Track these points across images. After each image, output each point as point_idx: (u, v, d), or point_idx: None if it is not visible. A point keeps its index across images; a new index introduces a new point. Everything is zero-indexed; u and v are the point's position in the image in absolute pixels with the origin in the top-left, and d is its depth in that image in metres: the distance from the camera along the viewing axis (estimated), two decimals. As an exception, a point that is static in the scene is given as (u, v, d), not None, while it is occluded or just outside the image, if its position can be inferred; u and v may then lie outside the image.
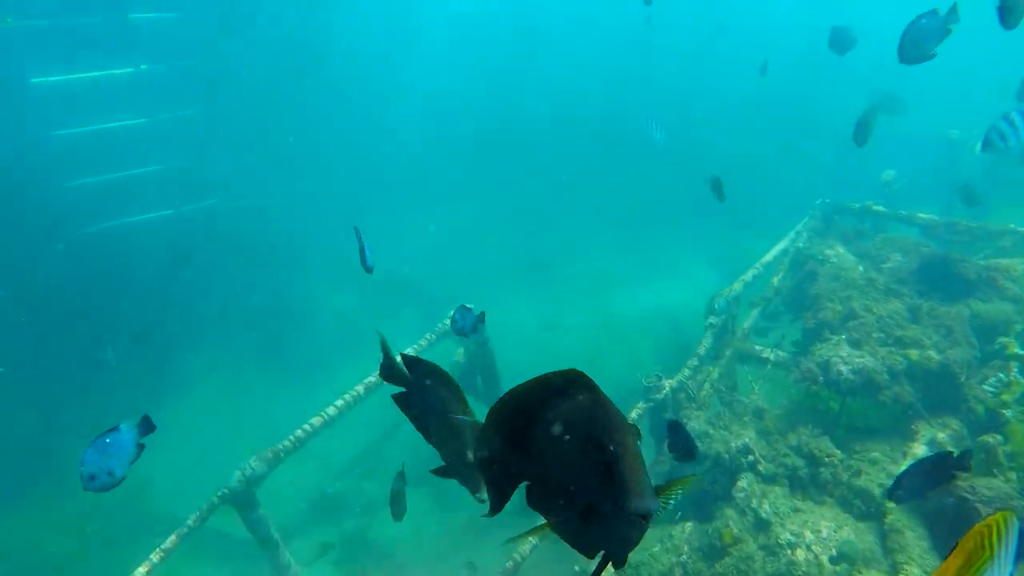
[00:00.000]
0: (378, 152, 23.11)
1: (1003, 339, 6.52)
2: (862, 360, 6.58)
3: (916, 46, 4.37)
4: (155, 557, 6.10)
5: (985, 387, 6.16)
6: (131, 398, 16.58)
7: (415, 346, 8.26)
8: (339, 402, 7.46)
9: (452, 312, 5.87)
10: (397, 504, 5.40)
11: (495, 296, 14.89)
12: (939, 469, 3.85)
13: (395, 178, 22.41)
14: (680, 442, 4.20)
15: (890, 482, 5.81)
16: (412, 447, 12.57)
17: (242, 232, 19.02)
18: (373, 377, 7.68)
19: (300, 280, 19.07)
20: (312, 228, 20.05)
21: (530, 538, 4.71)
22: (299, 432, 7.07)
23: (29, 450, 13.95)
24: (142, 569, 6.10)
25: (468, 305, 5.77)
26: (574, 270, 19.13)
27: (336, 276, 18.44)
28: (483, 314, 5.73)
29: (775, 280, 8.75)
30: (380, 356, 2.77)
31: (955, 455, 3.90)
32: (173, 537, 6.20)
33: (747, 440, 6.71)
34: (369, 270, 5.20)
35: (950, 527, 5.22)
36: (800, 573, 5.27)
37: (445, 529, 10.49)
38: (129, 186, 17.65)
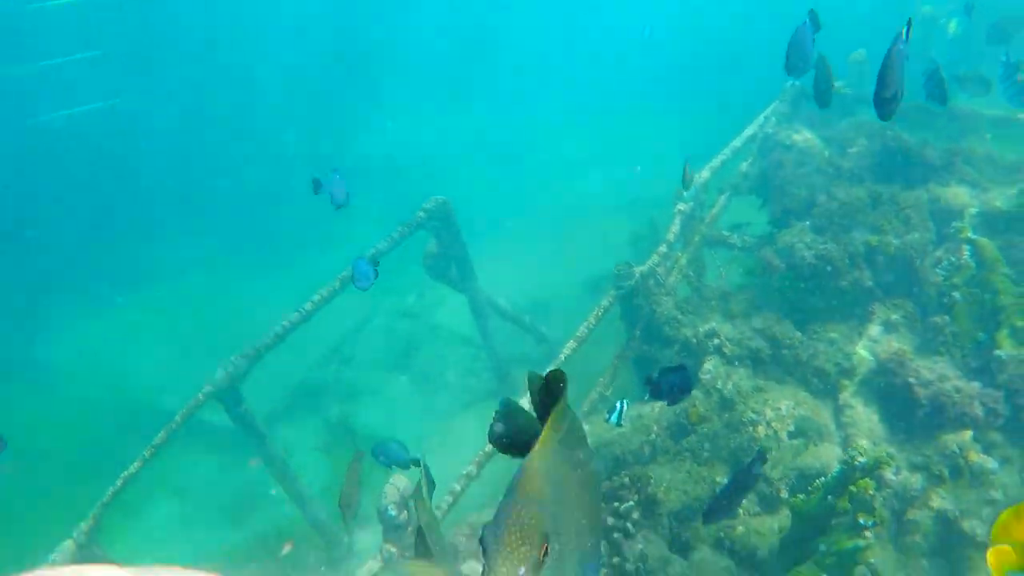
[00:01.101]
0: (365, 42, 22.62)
1: (957, 224, 6.79)
2: (824, 246, 6.83)
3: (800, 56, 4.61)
4: (147, 453, 6.39)
5: (938, 270, 6.47)
6: (95, 288, 16.63)
7: (387, 238, 8.24)
8: (316, 296, 7.60)
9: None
10: (348, 506, 4.51)
11: (467, 188, 14.83)
12: (742, 482, 4.12)
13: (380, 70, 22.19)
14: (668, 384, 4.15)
15: (845, 363, 6.22)
16: (384, 338, 12.90)
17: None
18: (346, 272, 7.80)
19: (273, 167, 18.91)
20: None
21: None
22: (278, 328, 7.25)
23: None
24: (136, 465, 6.40)
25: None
26: (546, 157, 19.11)
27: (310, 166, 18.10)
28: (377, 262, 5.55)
29: (743, 166, 8.86)
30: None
31: (748, 463, 4.14)
32: (163, 433, 6.48)
33: (714, 324, 7.04)
34: (339, 207, 5.08)
35: (897, 403, 5.66)
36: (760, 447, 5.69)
37: (424, 416, 10.95)
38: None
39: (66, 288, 16.67)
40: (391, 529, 5.38)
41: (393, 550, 5.37)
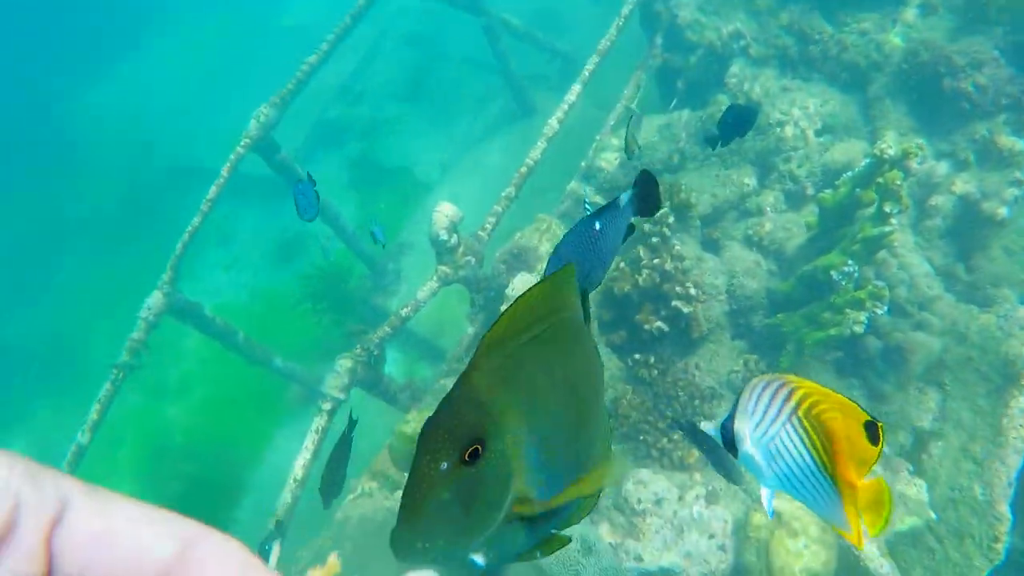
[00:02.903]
0: None
1: None
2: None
3: None
4: (204, 207, 6.73)
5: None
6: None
7: None
8: (330, 36, 7.42)
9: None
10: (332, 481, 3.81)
11: None
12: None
13: None
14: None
15: (876, 55, 6.13)
16: (394, 69, 12.57)
17: None
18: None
19: None
20: None
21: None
22: (299, 74, 7.20)
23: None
24: (196, 220, 6.79)
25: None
26: None
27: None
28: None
29: None
30: None
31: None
32: (213, 188, 6.76)
33: (738, 25, 6.86)
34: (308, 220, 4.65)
35: (927, 93, 5.70)
36: (787, 147, 5.89)
37: (447, 144, 11.05)
38: None
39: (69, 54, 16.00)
40: (444, 253, 5.83)
41: (448, 270, 5.88)
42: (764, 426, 1.63)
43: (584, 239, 2.14)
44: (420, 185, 10.51)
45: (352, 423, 3.82)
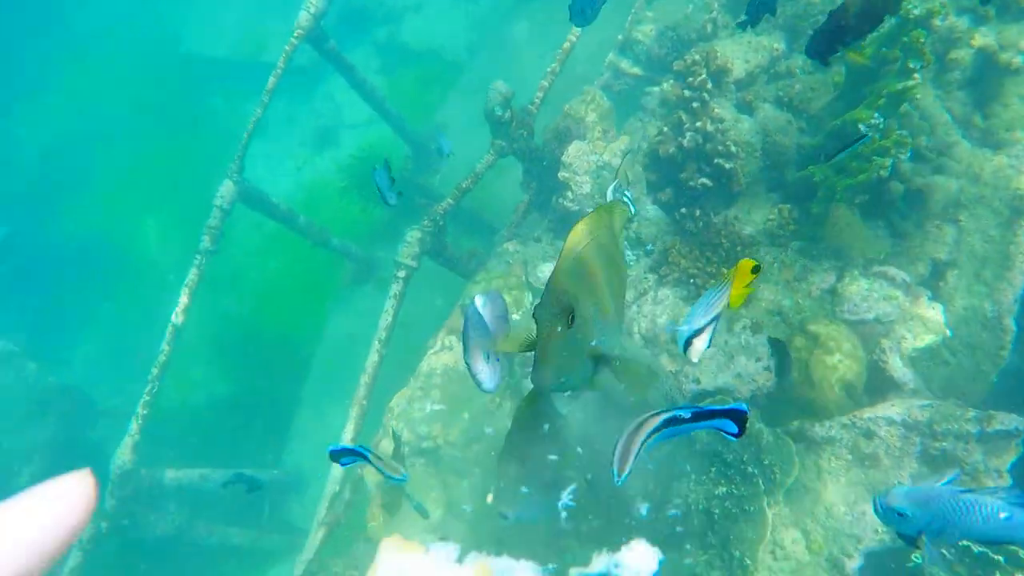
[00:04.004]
0: None
1: None
2: None
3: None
4: (264, 98, 7.19)
5: None
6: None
7: None
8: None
9: None
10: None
11: None
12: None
13: None
14: None
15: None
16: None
17: None
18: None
19: None
20: None
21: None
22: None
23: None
24: (257, 111, 7.27)
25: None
26: None
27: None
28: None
29: None
30: None
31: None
32: (272, 79, 7.20)
33: None
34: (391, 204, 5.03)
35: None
36: (815, 11, 6.27)
37: (475, 26, 11.20)
38: None
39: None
40: (499, 127, 6.36)
41: (503, 143, 6.43)
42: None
43: None
44: (449, 65, 10.82)
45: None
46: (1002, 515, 2.25)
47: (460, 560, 3.49)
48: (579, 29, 6.69)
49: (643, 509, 4.95)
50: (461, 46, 10.91)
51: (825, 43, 3.84)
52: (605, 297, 2.37)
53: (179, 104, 12.80)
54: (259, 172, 11.63)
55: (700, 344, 2.89)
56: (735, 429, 2.28)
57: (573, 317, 2.16)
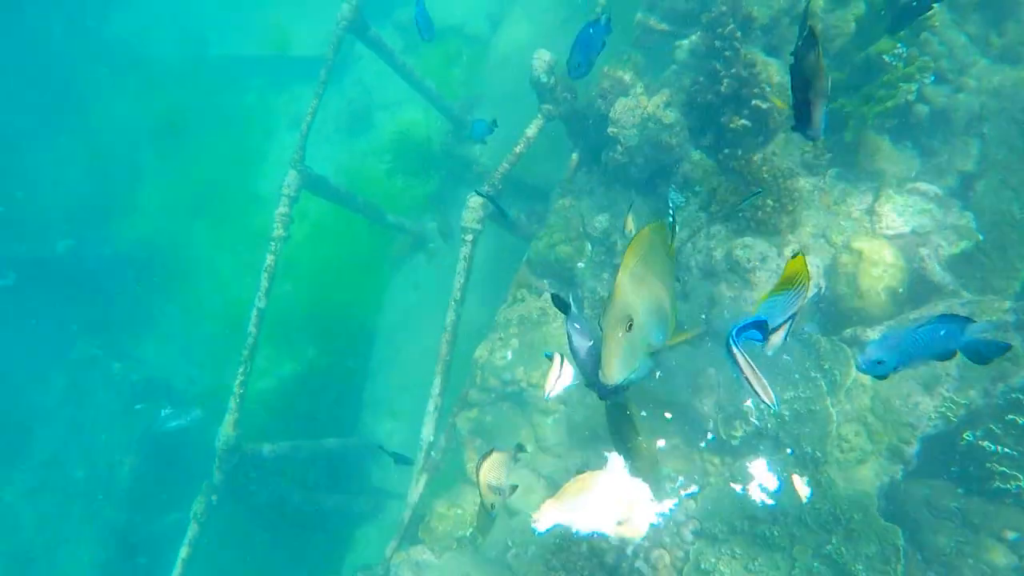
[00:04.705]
0: None
1: None
2: None
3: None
4: (319, 88, 7.84)
5: None
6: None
7: None
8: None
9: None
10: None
11: None
12: None
13: None
14: None
15: None
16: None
17: None
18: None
19: None
20: None
21: None
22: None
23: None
24: (313, 102, 7.91)
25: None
26: None
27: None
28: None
29: None
30: None
31: None
32: (323, 71, 7.83)
33: None
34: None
35: None
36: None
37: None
38: None
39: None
40: (545, 92, 6.97)
41: (550, 107, 7.04)
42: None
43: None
44: (473, 40, 11.38)
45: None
46: (941, 333, 3.03)
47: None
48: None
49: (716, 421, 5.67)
50: (482, 19, 11.44)
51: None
52: (657, 302, 3.15)
53: (214, 105, 13.46)
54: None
55: (776, 339, 3.26)
56: (760, 336, 3.05)
57: (631, 324, 2.91)
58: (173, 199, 13.29)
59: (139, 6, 15.67)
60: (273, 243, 8.05)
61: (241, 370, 7.96)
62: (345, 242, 11.37)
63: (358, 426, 10.43)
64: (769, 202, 6.03)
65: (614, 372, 2.91)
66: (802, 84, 2.95)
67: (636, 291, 3.05)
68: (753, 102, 6.16)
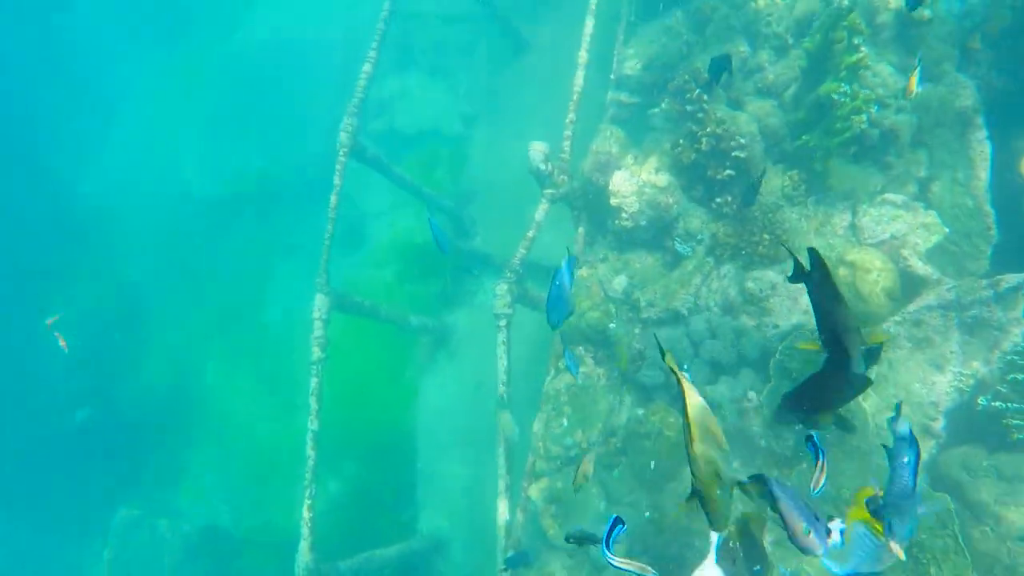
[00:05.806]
0: None
1: None
2: None
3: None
4: (331, 214, 8.86)
5: None
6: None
7: None
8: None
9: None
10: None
11: None
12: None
13: None
14: None
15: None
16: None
17: None
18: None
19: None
20: None
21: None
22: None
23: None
24: (329, 227, 8.93)
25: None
26: None
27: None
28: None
29: None
30: None
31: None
32: (333, 197, 8.88)
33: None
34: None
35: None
36: (764, 15, 8.09)
37: None
38: None
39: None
40: (545, 179, 8.11)
41: (552, 191, 8.17)
42: None
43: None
44: (450, 139, 12.61)
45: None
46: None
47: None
48: (581, 79, 8.46)
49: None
50: (455, 120, 12.72)
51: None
52: (723, 450, 3.70)
53: (199, 249, 14.40)
54: (307, 285, 13.25)
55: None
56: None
57: (719, 475, 3.50)
58: (180, 347, 14.04)
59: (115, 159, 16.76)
60: (314, 367, 8.87)
61: (307, 493, 8.59)
62: (369, 350, 12.16)
63: (415, 526, 11.11)
64: (765, 236, 7.16)
65: (723, 526, 3.64)
66: (827, 319, 3.29)
67: (710, 447, 3.52)
68: (733, 153, 7.36)
